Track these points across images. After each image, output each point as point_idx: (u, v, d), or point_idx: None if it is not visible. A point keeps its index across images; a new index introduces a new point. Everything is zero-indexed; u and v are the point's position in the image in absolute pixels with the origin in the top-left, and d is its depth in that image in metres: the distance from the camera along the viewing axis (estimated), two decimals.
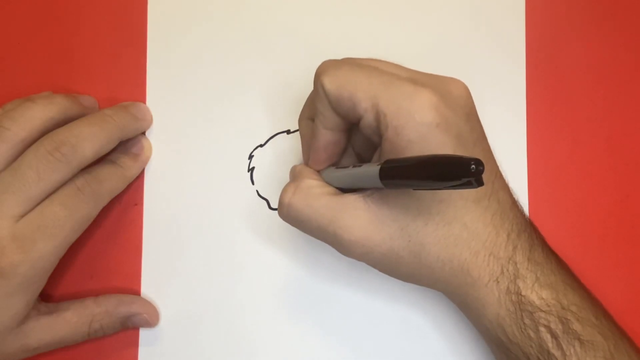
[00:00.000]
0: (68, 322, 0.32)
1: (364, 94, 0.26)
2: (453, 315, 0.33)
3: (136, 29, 0.35)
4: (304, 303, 0.34)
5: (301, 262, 0.34)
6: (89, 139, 0.30)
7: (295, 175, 0.30)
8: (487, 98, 0.34)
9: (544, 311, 0.27)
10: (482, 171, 0.20)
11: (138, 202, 0.34)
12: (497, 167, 0.29)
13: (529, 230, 0.29)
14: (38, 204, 0.29)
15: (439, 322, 0.33)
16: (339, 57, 0.34)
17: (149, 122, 0.35)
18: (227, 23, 0.35)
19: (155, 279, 0.34)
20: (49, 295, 0.34)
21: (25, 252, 0.28)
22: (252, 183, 0.34)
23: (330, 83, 0.27)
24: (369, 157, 0.30)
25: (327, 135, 0.29)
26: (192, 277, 0.34)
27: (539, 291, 0.27)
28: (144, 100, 0.35)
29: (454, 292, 0.28)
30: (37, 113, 0.30)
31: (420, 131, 0.25)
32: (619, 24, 0.35)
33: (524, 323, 0.27)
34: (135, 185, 0.34)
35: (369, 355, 0.33)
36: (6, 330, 0.29)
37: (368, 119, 0.27)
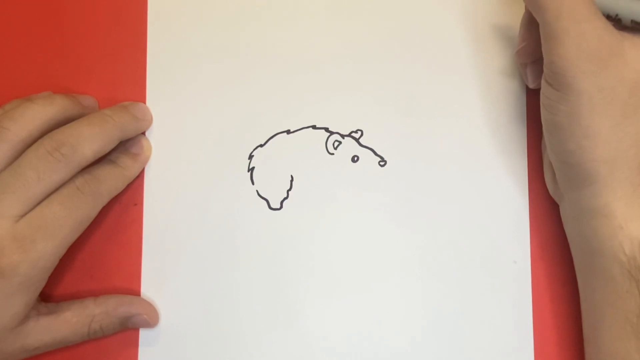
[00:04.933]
0: (68, 322, 0.32)
1: None
2: (454, 315, 0.33)
3: (136, 29, 0.35)
4: (304, 303, 0.34)
5: (301, 262, 0.34)
6: (89, 139, 0.30)
7: None
8: (487, 98, 0.34)
9: None
10: None
11: (138, 202, 0.34)
12: None
13: None
14: (38, 204, 0.29)
15: (439, 322, 0.33)
16: (340, 56, 0.35)
17: (149, 122, 0.35)
18: (227, 23, 0.35)
19: (155, 279, 0.34)
20: (49, 295, 0.34)
21: (25, 252, 0.28)
22: (252, 183, 0.34)
23: None
24: None
25: None
26: (192, 277, 0.34)
27: None
28: (144, 100, 0.35)
29: (605, 182, 0.27)
30: (37, 113, 0.30)
31: None
32: None
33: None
34: (135, 185, 0.34)
35: (369, 356, 0.33)
36: (6, 330, 0.29)
37: None
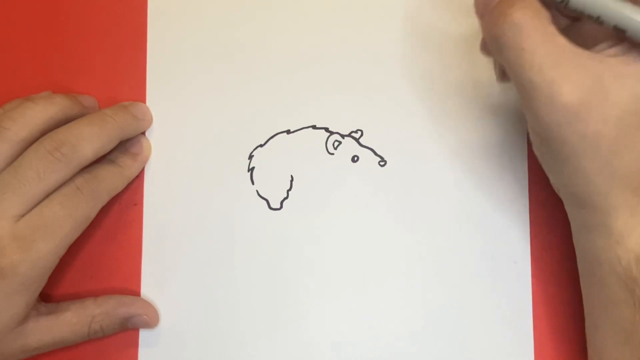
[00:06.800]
0: (68, 322, 0.32)
1: None
2: (454, 315, 0.33)
3: (136, 29, 0.35)
4: (304, 303, 0.34)
5: (301, 262, 0.34)
6: (89, 138, 0.30)
7: None
8: (486, 97, 0.34)
9: None
10: None
11: (138, 202, 0.34)
12: None
13: None
14: (38, 203, 0.29)
15: (440, 321, 0.33)
16: (340, 56, 0.35)
17: (149, 122, 0.35)
18: (227, 23, 0.35)
19: (155, 279, 0.34)
20: (49, 295, 0.34)
21: (25, 252, 0.28)
22: (252, 183, 0.34)
23: None
24: None
25: None
26: (192, 277, 0.34)
27: None
28: (144, 100, 0.35)
29: (601, 207, 0.25)
30: (37, 113, 0.30)
31: None
32: None
33: None
34: (135, 185, 0.34)
35: (369, 356, 0.33)
36: (6, 330, 0.29)
37: None
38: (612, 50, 0.25)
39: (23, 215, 0.29)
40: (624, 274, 0.26)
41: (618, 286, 0.26)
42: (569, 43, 0.24)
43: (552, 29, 0.24)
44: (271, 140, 0.35)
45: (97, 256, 0.34)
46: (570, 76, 0.24)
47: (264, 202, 0.34)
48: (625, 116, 0.24)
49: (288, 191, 0.34)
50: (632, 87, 0.24)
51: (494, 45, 0.25)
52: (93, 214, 0.31)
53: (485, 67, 0.34)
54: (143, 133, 0.35)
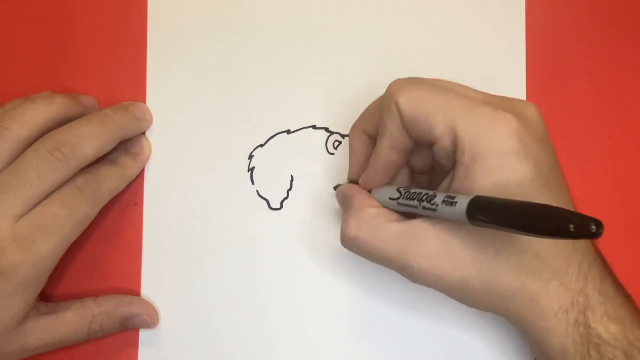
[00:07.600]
0: (68, 322, 0.32)
1: (442, 117, 0.26)
2: (454, 315, 0.33)
3: (136, 29, 0.35)
4: (304, 303, 0.34)
5: (301, 262, 0.34)
6: (89, 138, 0.30)
7: (352, 205, 0.29)
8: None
9: (610, 345, 0.26)
10: (601, 233, 0.21)
11: (138, 202, 0.34)
12: (569, 196, 0.28)
13: (600, 262, 0.28)
14: (38, 203, 0.29)
15: (442, 323, 0.33)
16: (340, 56, 0.35)
17: (149, 122, 0.35)
18: (226, 23, 0.35)
19: (155, 279, 0.34)
20: (49, 295, 0.34)
21: (25, 252, 0.28)
22: (252, 183, 0.34)
23: (406, 103, 0.27)
24: (423, 172, 0.31)
25: (392, 155, 0.28)
26: (192, 277, 0.34)
27: (607, 324, 0.26)
28: (144, 100, 0.35)
29: (521, 321, 0.28)
30: (37, 113, 0.30)
31: (500, 159, 0.25)
32: (620, 23, 0.35)
33: (589, 355, 0.26)
34: (135, 185, 0.34)
35: (366, 356, 0.33)
36: (6, 330, 0.29)
37: (444, 142, 0.26)
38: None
39: (23, 215, 0.29)
40: None
41: None
42: (405, 224, 0.27)
43: (382, 221, 0.28)
44: (271, 140, 0.35)
45: (97, 256, 0.34)
46: (413, 254, 0.27)
47: (264, 202, 0.34)
48: (472, 259, 0.26)
49: (288, 191, 0.34)
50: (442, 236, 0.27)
51: (358, 254, 0.29)
52: (93, 214, 0.31)
53: (486, 67, 0.34)
54: (143, 133, 0.35)
